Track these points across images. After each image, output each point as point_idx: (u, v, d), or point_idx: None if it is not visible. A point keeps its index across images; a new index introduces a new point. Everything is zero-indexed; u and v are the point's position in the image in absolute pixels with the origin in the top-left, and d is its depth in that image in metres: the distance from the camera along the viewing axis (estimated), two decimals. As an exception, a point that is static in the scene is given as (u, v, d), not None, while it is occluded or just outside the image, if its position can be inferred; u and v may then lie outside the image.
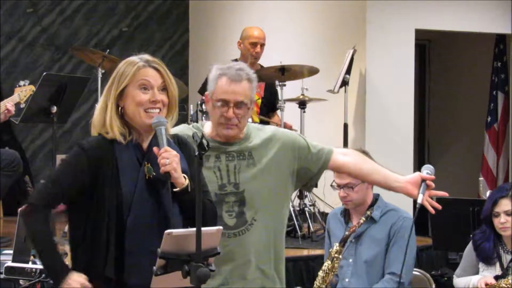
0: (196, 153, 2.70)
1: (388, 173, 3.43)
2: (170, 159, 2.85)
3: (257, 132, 3.40)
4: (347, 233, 4.07)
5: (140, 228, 2.84)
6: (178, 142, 3.05)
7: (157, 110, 2.92)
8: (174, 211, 2.90)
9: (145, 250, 2.76)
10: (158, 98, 2.92)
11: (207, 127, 3.40)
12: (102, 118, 2.94)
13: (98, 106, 2.98)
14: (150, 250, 2.69)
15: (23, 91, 5.59)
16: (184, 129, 3.34)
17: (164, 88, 2.96)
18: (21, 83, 5.64)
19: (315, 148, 3.44)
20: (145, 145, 2.94)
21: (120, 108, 2.95)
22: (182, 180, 2.88)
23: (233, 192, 3.31)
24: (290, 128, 6.38)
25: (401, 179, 3.37)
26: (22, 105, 5.64)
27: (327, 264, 4.05)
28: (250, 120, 6.00)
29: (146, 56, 2.99)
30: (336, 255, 4.02)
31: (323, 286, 4.04)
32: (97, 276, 2.84)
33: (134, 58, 2.98)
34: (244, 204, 3.31)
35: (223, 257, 3.08)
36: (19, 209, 3.67)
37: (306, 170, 3.45)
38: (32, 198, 2.92)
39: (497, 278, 4.43)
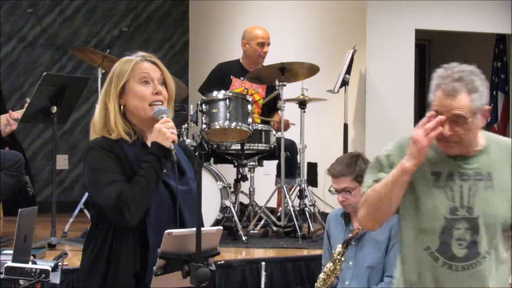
0: (196, 153, 2.70)
1: None
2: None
3: (497, 145, 2.96)
4: (350, 235, 4.06)
5: (159, 225, 2.84)
6: (184, 149, 3.07)
7: (160, 103, 2.94)
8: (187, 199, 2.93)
9: None
10: (159, 88, 2.95)
11: None
12: (103, 119, 2.94)
13: (97, 108, 2.98)
14: None
15: None
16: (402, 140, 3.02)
17: (163, 82, 2.98)
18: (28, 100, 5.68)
19: None
20: (149, 143, 2.93)
21: (121, 106, 2.96)
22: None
23: (466, 217, 2.86)
24: (287, 123, 6.38)
25: None
26: None
27: (329, 266, 4.03)
28: (250, 120, 6.04)
29: (141, 53, 3.02)
30: (338, 257, 4.01)
31: (324, 287, 4.03)
32: (127, 274, 2.85)
33: (128, 56, 3.01)
34: (477, 233, 2.86)
35: None
36: (20, 210, 3.67)
37: None
38: (108, 203, 2.83)
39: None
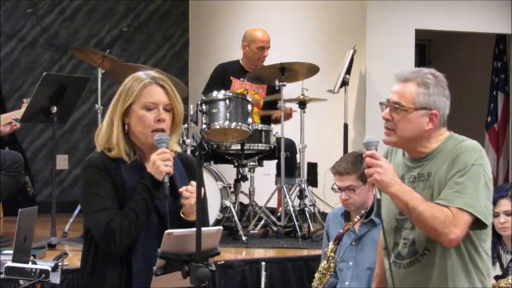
0: (196, 153, 2.70)
1: None
2: (192, 194, 2.87)
3: (450, 151, 2.96)
4: (341, 231, 4.06)
5: (146, 252, 2.87)
6: (182, 161, 3.07)
7: (162, 130, 2.94)
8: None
9: (151, 271, 2.74)
10: (162, 116, 2.93)
11: None
12: (108, 134, 2.96)
13: (105, 121, 2.99)
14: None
15: None
16: None
17: (169, 108, 2.97)
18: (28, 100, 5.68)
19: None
20: (148, 165, 2.94)
21: (125, 125, 2.97)
22: (193, 216, 2.85)
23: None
24: (290, 111, 6.39)
25: None
26: None
27: (323, 264, 4.03)
28: (250, 120, 6.04)
29: (153, 73, 3.01)
30: (331, 254, 4.01)
31: (320, 287, 4.03)
32: None
33: (140, 74, 3.00)
34: (416, 232, 2.95)
35: None
36: (20, 210, 3.68)
37: None
38: (97, 230, 2.88)
39: (497, 278, 4.43)
